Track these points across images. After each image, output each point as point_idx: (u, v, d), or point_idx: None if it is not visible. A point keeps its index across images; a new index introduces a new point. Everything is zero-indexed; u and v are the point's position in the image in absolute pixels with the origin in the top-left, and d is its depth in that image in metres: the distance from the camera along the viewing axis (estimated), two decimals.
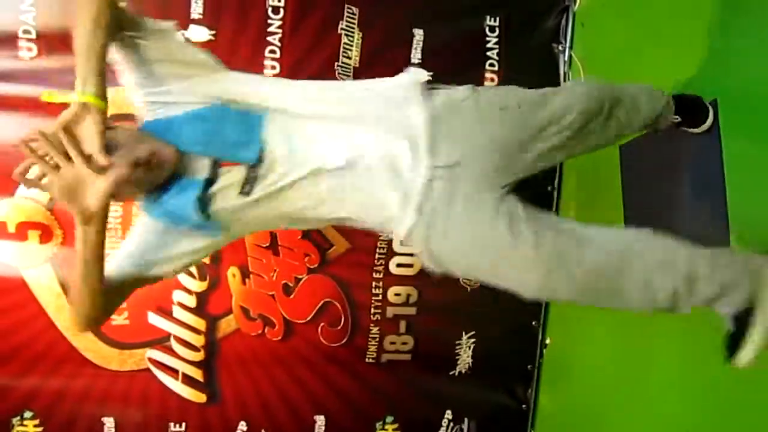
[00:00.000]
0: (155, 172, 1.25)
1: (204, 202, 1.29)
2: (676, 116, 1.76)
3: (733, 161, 1.74)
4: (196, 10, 2.35)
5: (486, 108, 1.39)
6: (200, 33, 2.36)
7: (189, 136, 1.29)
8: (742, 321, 1.34)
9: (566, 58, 2.72)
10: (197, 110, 1.31)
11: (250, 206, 1.32)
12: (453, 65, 2.60)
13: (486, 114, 1.38)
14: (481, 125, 1.37)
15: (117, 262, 1.36)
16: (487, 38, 2.64)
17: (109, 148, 1.16)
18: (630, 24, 2.38)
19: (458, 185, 1.33)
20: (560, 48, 2.72)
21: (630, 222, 2.24)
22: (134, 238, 1.39)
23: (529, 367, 2.79)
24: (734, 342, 1.35)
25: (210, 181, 1.29)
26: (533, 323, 2.77)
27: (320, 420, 2.64)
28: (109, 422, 2.47)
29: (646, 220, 2.15)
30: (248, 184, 1.30)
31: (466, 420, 2.77)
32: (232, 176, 1.30)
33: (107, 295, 1.30)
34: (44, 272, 2.35)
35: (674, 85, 2.03)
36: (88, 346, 2.41)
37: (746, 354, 1.32)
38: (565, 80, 2.71)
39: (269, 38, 2.42)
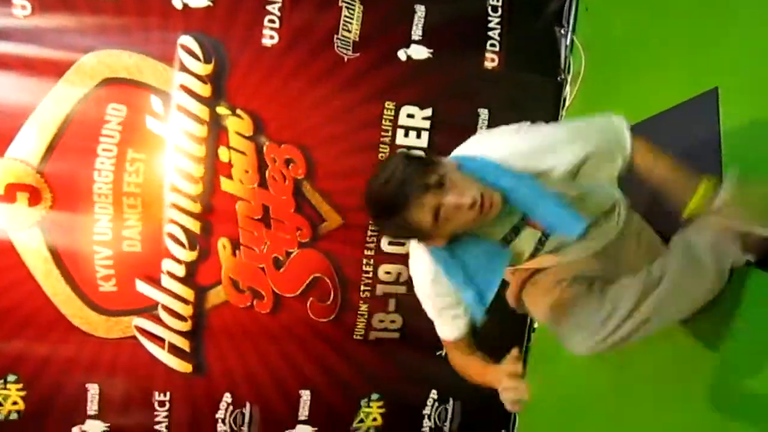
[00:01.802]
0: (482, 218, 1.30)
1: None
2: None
3: (733, 154, 1.74)
4: None
5: None
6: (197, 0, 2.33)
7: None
8: None
9: (568, 42, 2.70)
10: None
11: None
12: (453, 44, 2.57)
13: None
14: None
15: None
16: (489, 18, 2.61)
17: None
18: (634, 9, 2.35)
19: None
20: (562, 32, 2.70)
21: None
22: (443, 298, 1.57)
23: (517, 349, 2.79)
24: None
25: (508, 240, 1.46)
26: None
27: (305, 395, 2.64)
28: (93, 389, 2.46)
29: (641, 206, 2.15)
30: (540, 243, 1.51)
31: (451, 400, 2.78)
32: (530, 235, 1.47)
33: None
34: (33, 235, 2.32)
35: (674, 71, 2.03)
36: (75, 312, 2.40)
37: None
38: (566, 65, 2.69)
39: (269, 7, 2.39)
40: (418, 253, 1.51)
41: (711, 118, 1.81)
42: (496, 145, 1.39)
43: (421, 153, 1.43)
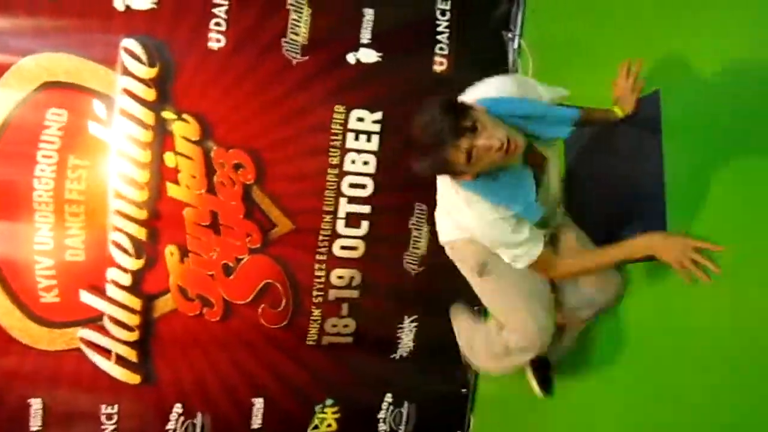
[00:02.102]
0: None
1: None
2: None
3: (675, 155, 1.78)
4: None
5: None
6: (142, 1, 2.27)
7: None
8: None
9: (515, 46, 2.73)
10: None
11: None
12: (402, 48, 2.57)
13: None
14: None
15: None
16: (438, 22, 2.62)
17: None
18: (579, 13, 2.40)
19: None
20: (510, 35, 2.73)
21: (570, 206, 2.26)
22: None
23: None
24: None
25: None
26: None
27: (258, 402, 2.60)
28: (36, 403, 2.37)
29: (588, 204, 2.18)
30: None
31: (406, 403, 2.78)
32: None
33: None
34: None
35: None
36: (15, 324, 2.31)
37: None
38: (514, 67, 2.72)
39: (215, 10, 2.34)
40: (469, 212, 1.64)
41: (653, 120, 1.85)
42: (503, 86, 1.66)
43: (455, 98, 1.52)
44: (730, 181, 1.56)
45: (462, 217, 1.69)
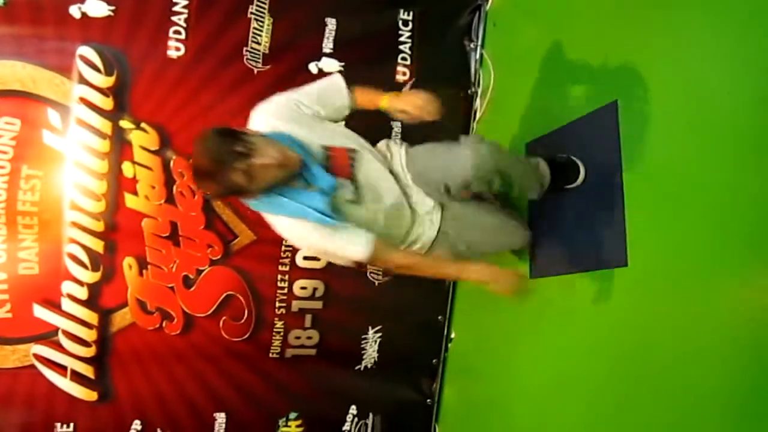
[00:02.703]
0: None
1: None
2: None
3: (632, 159, 1.81)
4: None
5: None
6: (98, 8, 2.23)
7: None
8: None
9: (477, 57, 2.75)
10: None
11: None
12: (365, 57, 2.58)
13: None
14: None
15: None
16: (400, 32, 2.63)
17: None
18: (540, 25, 2.43)
19: None
20: (472, 46, 2.75)
21: (532, 218, 2.28)
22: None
23: (434, 361, 2.81)
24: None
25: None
26: (439, 318, 2.79)
27: (221, 417, 2.55)
28: None
29: (548, 216, 2.21)
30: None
31: (370, 415, 2.75)
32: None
33: None
34: None
35: (578, 85, 2.10)
36: None
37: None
38: (476, 78, 2.74)
39: (174, 18, 2.32)
40: (286, 221, 1.74)
41: (611, 130, 1.88)
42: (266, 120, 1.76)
43: (229, 127, 1.65)
44: (689, 194, 1.58)
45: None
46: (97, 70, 2.24)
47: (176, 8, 2.30)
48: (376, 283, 2.65)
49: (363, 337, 2.68)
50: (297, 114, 1.77)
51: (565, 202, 2.12)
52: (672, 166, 1.65)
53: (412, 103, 1.81)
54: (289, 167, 1.61)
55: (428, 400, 2.83)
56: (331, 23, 2.51)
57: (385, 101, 1.84)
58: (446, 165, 1.82)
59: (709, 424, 1.46)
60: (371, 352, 2.71)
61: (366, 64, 2.57)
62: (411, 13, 2.64)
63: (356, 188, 1.77)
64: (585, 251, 1.99)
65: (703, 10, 1.62)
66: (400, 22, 2.64)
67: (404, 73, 2.63)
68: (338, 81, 1.86)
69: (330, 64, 2.51)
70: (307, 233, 1.72)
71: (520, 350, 2.32)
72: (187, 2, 2.31)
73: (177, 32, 2.31)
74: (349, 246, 1.73)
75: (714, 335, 1.46)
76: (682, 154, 1.62)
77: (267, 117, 1.76)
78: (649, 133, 1.76)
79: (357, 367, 2.71)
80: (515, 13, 2.62)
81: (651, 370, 1.66)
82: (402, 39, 2.63)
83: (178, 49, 2.33)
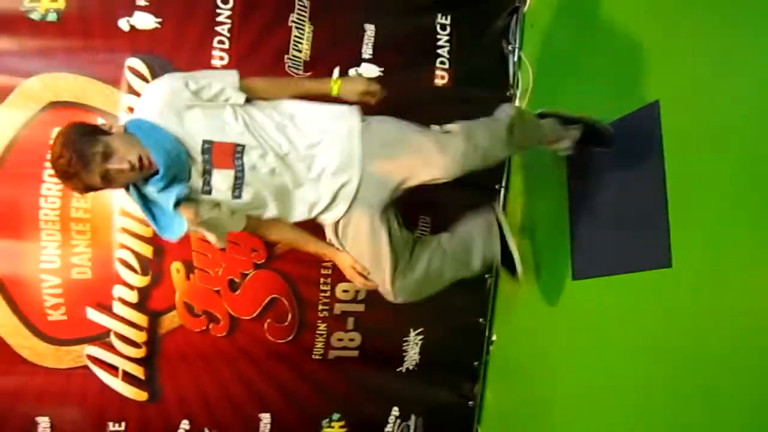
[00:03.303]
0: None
1: None
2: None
3: (674, 159, 1.79)
4: None
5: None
6: (146, 20, 2.29)
7: None
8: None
9: (515, 59, 2.75)
10: None
11: None
12: (404, 62, 2.60)
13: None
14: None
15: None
16: (438, 36, 2.65)
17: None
18: (578, 25, 2.42)
19: None
20: (510, 48, 2.75)
21: (574, 220, 2.28)
22: None
23: (475, 363, 2.81)
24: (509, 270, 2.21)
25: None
26: (480, 320, 2.79)
27: (265, 418, 2.60)
28: (44, 422, 2.37)
29: (590, 219, 2.20)
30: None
31: (412, 417, 2.77)
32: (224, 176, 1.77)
33: None
34: None
35: (618, 85, 2.09)
36: (23, 343, 2.32)
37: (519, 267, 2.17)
38: (514, 80, 2.74)
39: (217, 28, 2.36)
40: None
41: (653, 129, 1.87)
42: (146, 104, 1.75)
43: (89, 123, 1.73)
44: (735, 194, 1.56)
45: None
46: (145, 80, 2.30)
47: (220, 18, 2.36)
48: None
49: (404, 339, 2.70)
50: (180, 104, 1.71)
51: (606, 203, 2.11)
52: (716, 166, 1.63)
53: (354, 93, 1.92)
54: (146, 169, 1.63)
55: (470, 403, 2.84)
56: (370, 29, 2.54)
57: (335, 90, 1.91)
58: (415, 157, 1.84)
59: (758, 428, 1.45)
60: (413, 354, 2.73)
61: (405, 69, 2.59)
62: (448, 17, 2.65)
63: (237, 177, 1.75)
64: (627, 253, 1.97)
65: (746, 5, 1.60)
66: (438, 27, 2.65)
67: (443, 77, 2.64)
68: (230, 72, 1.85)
69: (369, 70, 2.53)
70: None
71: (562, 352, 2.31)
72: (230, 12, 2.36)
73: (221, 42, 2.37)
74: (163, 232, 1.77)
75: (763, 338, 1.44)
76: (726, 153, 1.60)
77: (149, 105, 1.73)
78: (692, 133, 1.74)
79: (399, 369, 2.74)
80: (552, 14, 2.61)
81: (697, 373, 1.64)
82: (440, 43, 2.64)
83: (221, 58, 2.38)
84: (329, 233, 2.00)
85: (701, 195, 1.68)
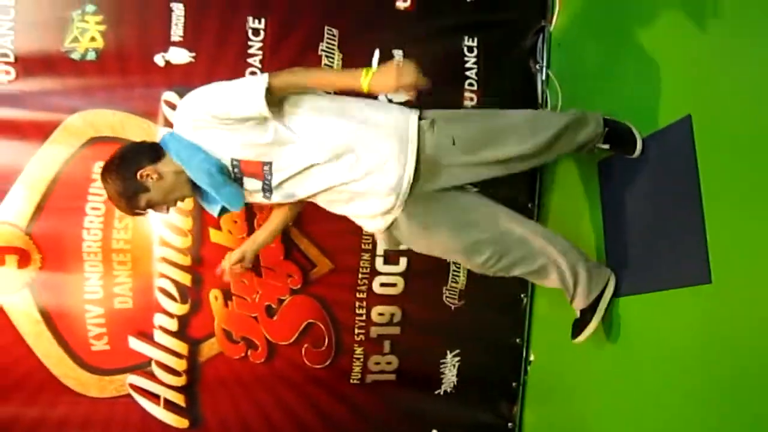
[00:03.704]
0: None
1: None
2: (606, 145, 2.14)
3: (709, 173, 1.78)
4: (177, 32, 2.35)
5: None
6: (180, 55, 2.36)
7: None
8: (585, 314, 2.12)
9: (543, 77, 2.76)
10: None
11: None
12: (432, 85, 2.60)
13: None
14: None
15: None
16: (466, 58, 2.67)
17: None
18: (605, 42, 2.43)
19: None
20: (537, 67, 2.76)
21: (609, 238, 2.26)
22: None
23: (513, 384, 2.79)
24: (577, 327, 2.15)
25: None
26: (517, 340, 2.77)
27: None
28: None
29: (626, 237, 2.18)
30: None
31: None
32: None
33: None
34: (22, 298, 2.30)
35: (648, 100, 2.08)
36: (68, 373, 2.37)
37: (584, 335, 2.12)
38: (542, 99, 2.75)
39: (249, 60, 2.42)
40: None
41: (686, 145, 1.86)
42: (179, 125, 1.86)
43: (143, 145, 1.91)
44: None
45: None
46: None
47: (251, 50, 2.41)
48: (452, 307, 2.67)
49: (441, 361, 2.70)
50: (209, 125, 1.76)
51: (641, 220, 2.10)
52: (754, 179, 1.61)
53: (386, 88, 1.79)
54: (178, 179, 1.81)
55: (509, 424, 2.81)
56: (398, 54, 2.57)
57: (365, 86, 1.75)
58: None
59: None
60: (450, 376, 2.72)
61: (433, 93, 2.60)
62: (475, 40, 2.68)
63: (265, 185, 1.87)
64: (666, 270, 1.96)
65: None
66: (465, 49, 2.67)
67: (471, 99, 2.66)
68: (256, 87, 1.72)
69: (399, 95, 2.56)
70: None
71: (601, 372, 2.28)
72: (261, 44, 2.42)
73: (253, 73, 2.41)
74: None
75: None
76: (763, 166, 1.58)
77: (184, 124, 1.82)
78: (726, 146, 1.73)
79: (437, 392, 2.73)
80: (579, 32, 2.62)
81: (740, 392, 1.61)
82: (468, 65, 2.67)
83: None
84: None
85: (739, 209, 1.67)
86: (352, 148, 1.83)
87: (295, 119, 1.82)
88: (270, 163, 1.82)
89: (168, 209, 1.89)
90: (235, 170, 1.83)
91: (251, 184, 1.87)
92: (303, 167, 1.83)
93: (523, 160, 1.98)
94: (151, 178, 1.78)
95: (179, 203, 1.96)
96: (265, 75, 1.73)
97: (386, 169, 1.84)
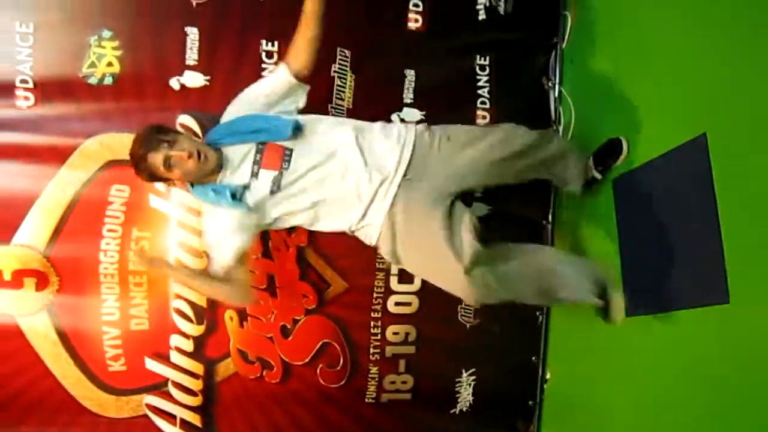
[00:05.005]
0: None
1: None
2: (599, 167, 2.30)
3: (726, 192, 1.77)
4: (192, 56, 2.39)
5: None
6: (195, 79, 2.39)
7: None
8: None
9: (556, 95, 2.76)
10: None
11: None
12: (445, 104, 2.63)
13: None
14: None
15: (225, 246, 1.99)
16: (478, 77, 2.68)
17: None
18: (618, 59, 2.42)
19: None
20: (550, 84, 2.76)
21: (625, 256, 2.25)
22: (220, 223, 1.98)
23: (530, 403, 2.78)
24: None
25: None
26: (533, 358, 2.76)
27: None
28: None
29: (642, 256, 2.17)
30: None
31: None
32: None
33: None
34: (40, 320, 2.33)
35: (662, 118, 2.08)
36: (85, 393, 2.39)
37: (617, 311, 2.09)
38: (555, 116, 2.75)
39: None
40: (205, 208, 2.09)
41: (702, 163, 1.85)
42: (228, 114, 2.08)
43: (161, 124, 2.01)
44: None
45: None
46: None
47: (265, 73, 2.44)
48: (467, 325, 2.66)
49: (457, 380, 2.69)
50: (250, 107, 2.03)
51: (657, 238, 2.08)
52: None
53: None
54: (204, 162, 1.90)
55: None
56: (410, 74, 2.59)
57: None
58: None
59: None
60: (466, 395, 2.71)
61: (446, 111, 2.62)
62: (487, 58, 2.68)
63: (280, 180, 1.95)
64: (682, 289, 1.94)
65: None
66: (477, 68, 2.68)
67: (484, 117, 2.67)
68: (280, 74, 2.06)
69: (411, 114, 2.58)
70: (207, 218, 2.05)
71: (619, 390, 2.27)
72: (274, 66, 2.44)
73: None
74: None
75: None
76: None
77: (232, 111, 2.06)
78: (743, 165, 1.72)
79: (452, 411, 2.72)
80: (592, 49, 2.61)
81: (758, 413, 1.59)
82: (480, 83, 2.67)
83: None
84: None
85: (756, 227, 1.65)
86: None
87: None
88: (291, 151, 1.94)
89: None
90: (257, 156, 1.94)
91: (262, 183, 1.94)
92: (323, 158, 1.95)
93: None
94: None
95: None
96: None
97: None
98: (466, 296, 2.07)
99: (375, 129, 2.06)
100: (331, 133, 2.02)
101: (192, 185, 2.02)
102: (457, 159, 2.03)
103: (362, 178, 1.94)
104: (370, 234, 2.03)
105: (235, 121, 2.01)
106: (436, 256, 1.96)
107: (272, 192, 1.95)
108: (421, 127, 2.08)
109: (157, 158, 1.87)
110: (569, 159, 2.28)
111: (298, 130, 1.95)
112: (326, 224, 2.05)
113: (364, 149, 1.98)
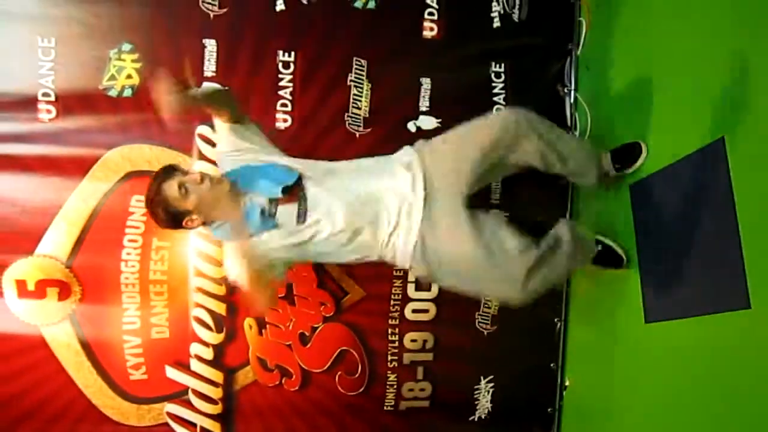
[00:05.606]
0: None
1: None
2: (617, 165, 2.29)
3: (745, 196, 1.76)
4: (210, 68, 2.42)
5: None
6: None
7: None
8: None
9: (572, 101, 2.75)
10: None
11: None
12: (461, 112, 2.62)
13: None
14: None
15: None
16: (493, 84, 2.68)
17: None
18: (633, 64, 2.42)
19: None
20: (566, 91, 2.76)
21: (644, 262, 2.24)
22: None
23: (549, 410, 2.76)
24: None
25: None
26: (551, 365, 2.75)
27: None
28: None
29: (661, 261, 2.16)
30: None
31: None
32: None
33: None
34: (63, 329, 2.37)
35: (679, 123, 2.07)
36: (107, 402, 2.42)
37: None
38: (572, 122, 2.74)
39: (280, 92, 2.48)
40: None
41: (721, 167, 1.84)
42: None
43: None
44: None
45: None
46: (214, 145, 2.40)
47: (282, 83, 2.47)
48: (485, 332, 2.66)
49: (475, 387, 2.69)
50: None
51: (676, 243, 2.08)
52: None
53: None
54: (215, 185, 1.88)
55: None
56: (426, 82, 2.60)
57: None
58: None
59: None
60: (484, 402, 2.70)
61: (462, 118, 2.61)
62: (503, 65, 2.69)
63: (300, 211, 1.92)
64: (702, 294, 1.93)
65: None
66: (493, 75, 2.69)
67: None
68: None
69: (427, 122, 2.59)
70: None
71: (638, 397, 2.25)
72: (291, 77, 2.47)
73: (284, 105, 2.47)
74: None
75: None
76: None
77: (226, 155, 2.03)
78: (762, 169, 1.71)
79: (471, 418, 2.71)
80: (607, 55, 2.61)
81: None
82: (495, 91, 2.68)
83: (285, 120, 2.48)
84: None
85: None
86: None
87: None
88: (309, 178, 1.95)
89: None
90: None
91: (286, 214, 1.91)
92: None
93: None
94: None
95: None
96: None
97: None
98: (514, 304, 2.05)
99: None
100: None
101: (212, 227, 1.98)
102: (459, 151, 2.08)
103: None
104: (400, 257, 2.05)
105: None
106: (482, 280, 2.02)
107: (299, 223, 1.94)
108: (417, 144, 2.12)
109: (172, 186, 1.84)
110: (579, 150, 2.23)
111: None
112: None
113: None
